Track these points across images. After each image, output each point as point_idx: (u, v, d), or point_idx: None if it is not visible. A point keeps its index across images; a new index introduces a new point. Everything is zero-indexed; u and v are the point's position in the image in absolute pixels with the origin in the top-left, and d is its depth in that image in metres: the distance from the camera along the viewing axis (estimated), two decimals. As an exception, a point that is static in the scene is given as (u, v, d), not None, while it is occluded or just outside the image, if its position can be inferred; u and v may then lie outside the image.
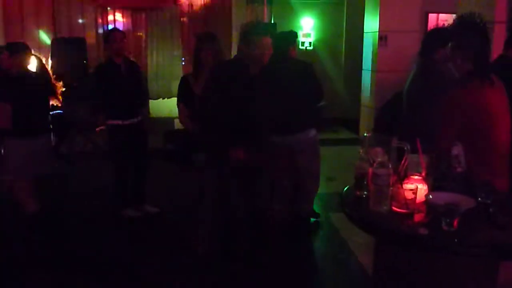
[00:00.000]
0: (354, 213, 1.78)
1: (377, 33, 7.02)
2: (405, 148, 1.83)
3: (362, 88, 7.75)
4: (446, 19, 7.41)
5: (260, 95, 3.68)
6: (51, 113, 5.99)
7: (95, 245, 3.89)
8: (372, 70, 7.33)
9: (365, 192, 1.81)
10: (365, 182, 1.81)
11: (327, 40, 8.36)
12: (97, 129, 4.54)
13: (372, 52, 7.28)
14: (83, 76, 6.16)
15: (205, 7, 8.55)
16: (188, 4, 8.63)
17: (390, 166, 1.68)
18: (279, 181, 3.84)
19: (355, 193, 1.87)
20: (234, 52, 8.36)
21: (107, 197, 4.79)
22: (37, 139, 3.78)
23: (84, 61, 6.16)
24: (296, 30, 8.36)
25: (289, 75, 3.62)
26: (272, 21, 6.59)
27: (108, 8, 8.83)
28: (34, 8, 8.32)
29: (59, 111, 6.21)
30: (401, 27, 6.95)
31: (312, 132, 3.78)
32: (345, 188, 2.01)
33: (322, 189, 4.26)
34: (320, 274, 3.59)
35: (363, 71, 7.70)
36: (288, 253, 3.79)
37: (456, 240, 1.49)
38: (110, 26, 8.88)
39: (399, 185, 1.66)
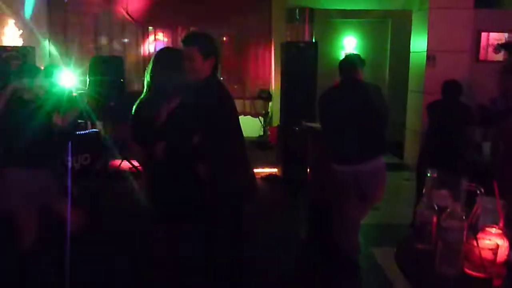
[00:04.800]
0: (414, 273, 1.45)
1: (425, 52, 6.65)
2: (478, 191, 1.50)
3: (408, 110, 7.36)
4: (499, 38, 6.93)
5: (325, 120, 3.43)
6: (86, 131, 6.03)
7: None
8: (419, 92, 6.95)
9: (428, 247, 1.48)
10: (428, 234, 1.48)
11: (370, 59, 7.98)
12: None
13: (419, 72, 6.91)
14: (120, 95, 6.08)
15: (245, 26, 8.43)
16: (228, 23, 8.53)
17: (463, 218, 1.35)
18: (347, 212, 3.50)
19: (416, 246, 1.54)
20: (273, 75, 8.18)
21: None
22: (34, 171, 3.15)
23: (122, 80, 6.09)
24: (338, 49, 8.23)
25: (359, 99, 3.34)
26: (314, 40, 6.35)
27: (150, 28, 8.86)
28: (79, 27, 8.46)
29: (95, 130, 6.19)
30: (451, 46, 6.57)
31: (381, 161, 3.46)
32: (401, 239, 1.67)
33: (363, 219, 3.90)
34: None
35: (409, 92, 7.32)
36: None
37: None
38: (151, 46, 8.92)
39: (474, 242, 1.33)
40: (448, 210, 1.35)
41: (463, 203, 1.46)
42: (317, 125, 4.17)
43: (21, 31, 7.18)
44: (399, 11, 7.91)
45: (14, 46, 6.57)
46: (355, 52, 8.26)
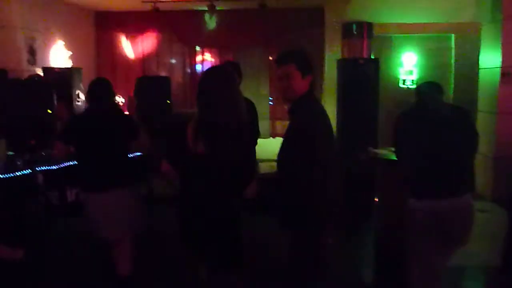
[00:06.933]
0: None
1: (499, 69, 5.97)
2: None
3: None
4: None
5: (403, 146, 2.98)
6: (131, 155, 5.75)
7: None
8: (490, 112, 6.25)
9: None
10: None
11: (432, 77, 7.36)
12: None
13: (491, 91, 6.23)
14: (166, 116, 5.79)
15: (295, 43, 8.03)
16: (276, 42, 8.19)
17: None
18: (427, 257, 2.94)
19: None
20: (325, 94, 7.68)
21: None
22: (104, 193, 3.13)
23: (168, 101, 5.81)
24: (395, 67, 7.67)
25: (446, 123, 2.83)
26: (372, 57, 5.85)
27: (197, 48, 8.67)
28: (126, 47, 8.38)
29: (139, 153, 5.90)
30: (530, 61, 5.87)
31: (469, 197, 2.90)
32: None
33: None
34: None
35: (478, 113, 6.61)
36: None
37: None
38: (199, 66, 8.71)
39: None
40: None
41: None
42: (385, 151, 3.65)
43: (70, 52, 7.12)
44: (464, 24, 7.29)
45: (61, 68, 6.47)
46: (414, 70, 7.69)
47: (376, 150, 3.88)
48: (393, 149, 3.27)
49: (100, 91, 3.29)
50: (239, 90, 2.58)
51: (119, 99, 7.21)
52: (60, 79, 5.93)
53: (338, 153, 5.27)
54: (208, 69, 2.80)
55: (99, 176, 3.16)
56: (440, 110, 2.86)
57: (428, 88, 2.93)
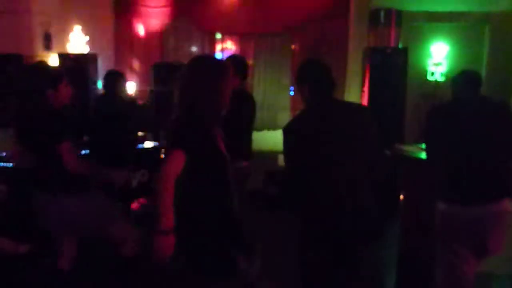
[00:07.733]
0: None
1: (538, 61, 5.59)
2: None
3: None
4: None
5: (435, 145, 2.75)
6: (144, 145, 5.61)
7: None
8: (527, 108, 5.88)
9: None
10: None
11: (463, 70, 6.98)
12: None
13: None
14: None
15: (318, 32, 7.71)
16: (300, 29, 7.87)
17: None
18: (457, 268, 2.70)
19: None
20: (349, 86, 7.35)
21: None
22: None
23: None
24: (424, 58, 7.28)
25: (485, 120, 2.56)
26: (400, 46, 5.52)
27: (217, 36, 8.43)
28: (144, 34, 8.20)
29: (154, 143, 5.74)
30: None
31: (507, 203, 2.63)
32: None
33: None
34: None
35: (512, 108, 6.25)
36: None
37: None
38: (219, 54, 8.48)
39: None
40: None
41: None
42: (412, 148, 3.37)
43: (87, 37, 6.98)
44: (500, 14, 6.85)
45: (77, 54, 6.34)
46: (444, 61, 7.28)
47: (402, 147, 3.60)
48: (421, 146, 3.01)
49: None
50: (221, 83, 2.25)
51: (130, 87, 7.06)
52: (76, 65, 5.79)
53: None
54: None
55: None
56: (478, 105, 2.58)
57: (465, 80, 2.65)
